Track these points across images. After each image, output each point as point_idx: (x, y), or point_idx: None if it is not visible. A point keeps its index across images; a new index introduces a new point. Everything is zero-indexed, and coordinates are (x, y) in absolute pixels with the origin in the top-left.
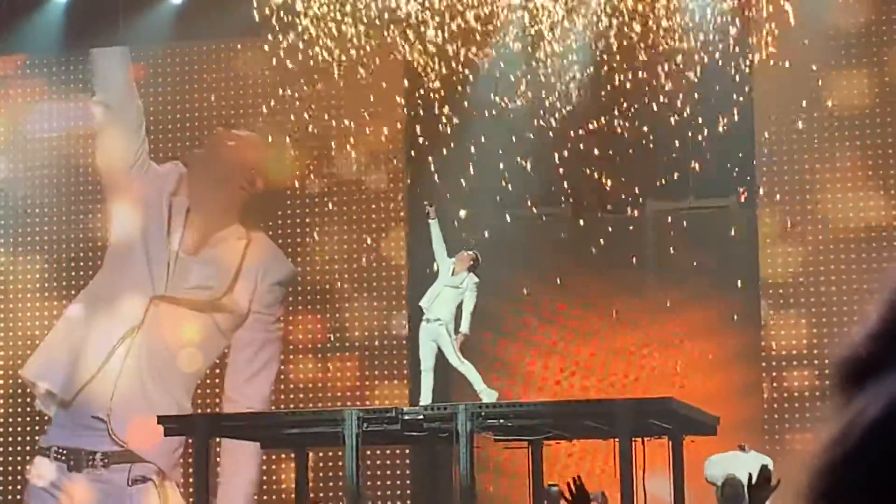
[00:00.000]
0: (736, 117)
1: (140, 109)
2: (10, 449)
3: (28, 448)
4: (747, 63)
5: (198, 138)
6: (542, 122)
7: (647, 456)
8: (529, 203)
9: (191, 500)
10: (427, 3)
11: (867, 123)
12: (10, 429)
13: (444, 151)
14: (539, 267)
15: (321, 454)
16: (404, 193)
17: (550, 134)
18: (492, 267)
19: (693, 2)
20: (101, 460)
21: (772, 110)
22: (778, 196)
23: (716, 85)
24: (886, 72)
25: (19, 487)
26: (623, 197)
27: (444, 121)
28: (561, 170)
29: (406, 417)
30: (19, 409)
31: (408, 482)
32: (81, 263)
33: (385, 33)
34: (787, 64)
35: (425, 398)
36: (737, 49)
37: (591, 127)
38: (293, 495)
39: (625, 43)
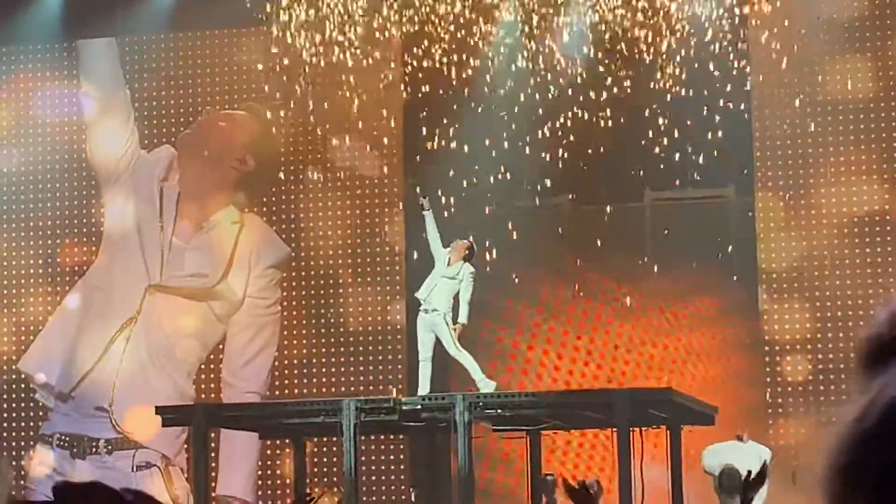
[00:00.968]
0: (733, 107)
1: (128, 99)
2: (13, 434)
3: (31, 434)
4: (746, 53)
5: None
6: (541, 112)
7: (645, 446)
8: (528, 191)
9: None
10: None
11: (865, 113)
12: (11, 415)
13: (444, 141)
14: (538, 257)
15: (319, 443)
16: (402, 180)
17: (550, 124)
18: (490, 257)
19: None
20: (104, 447)
21: (770, 100)
22: (777, 185)
23: (714, 75)
24: (885, 61)
25: (23, 473)
26: (622, 187)
27: (444, 108)
28: (560, 160)
29: (404, 407)
30: (22, 396)
31: (405, 472)
32: (76, 249)
33: (382, 16)
34: (785, 54)
35: (423, 388)
36: (736, 39)
37: (590, 118)
38: (292, 483)
39: (625, 34)
